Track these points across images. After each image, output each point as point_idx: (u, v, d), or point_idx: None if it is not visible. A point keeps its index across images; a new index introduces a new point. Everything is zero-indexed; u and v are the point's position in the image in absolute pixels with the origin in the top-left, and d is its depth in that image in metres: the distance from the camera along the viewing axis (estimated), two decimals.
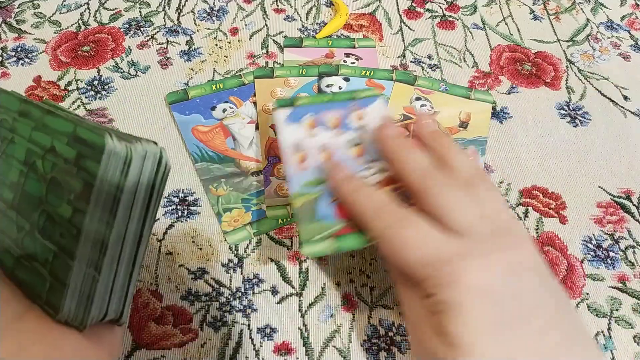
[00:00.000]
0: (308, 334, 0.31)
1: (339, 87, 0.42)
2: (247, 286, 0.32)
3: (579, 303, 0.32)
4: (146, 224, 0.22)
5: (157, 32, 0.47)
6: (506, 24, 0.49)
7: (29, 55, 0.45)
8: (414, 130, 0.31)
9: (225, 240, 0.34)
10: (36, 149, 0.22)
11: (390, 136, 0.30)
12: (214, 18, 0.48)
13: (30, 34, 0.47)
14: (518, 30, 0.49)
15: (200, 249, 0.34)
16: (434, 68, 0.45)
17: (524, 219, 0.36)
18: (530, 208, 0.36)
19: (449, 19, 0.50)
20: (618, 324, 0.32)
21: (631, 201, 0.37)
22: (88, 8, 0.49)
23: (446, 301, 0.23)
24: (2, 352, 0.19)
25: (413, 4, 0.51)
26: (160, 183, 0.22)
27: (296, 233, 0.35)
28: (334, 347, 0.30)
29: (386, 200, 0.27)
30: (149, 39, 0.46)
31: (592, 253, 0.35)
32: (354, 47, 0.46)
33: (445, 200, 0.25)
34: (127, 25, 0.48)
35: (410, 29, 0.48)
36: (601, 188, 0.38)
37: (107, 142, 0.19)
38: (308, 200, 0.31)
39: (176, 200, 0.36)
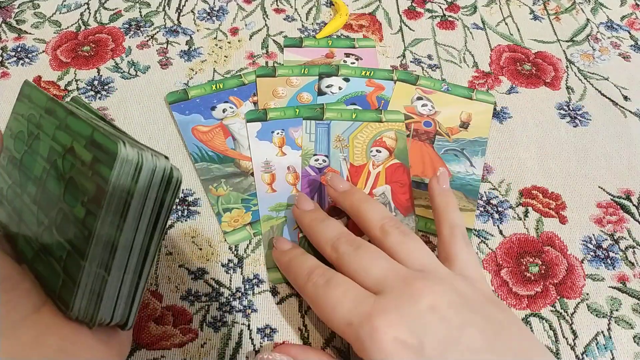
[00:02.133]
0: (308, 334, 0.31)
1: (339, 87, 0.42)
2: (247, 286, 0.32)
3: (578, 303, 0.32)
4: (154, 238, 0.22)
5: (157, 32, 0.47)
6: (506, 24, 0.49)
7: (29, 55, 0.45)
8: (328, 192, 0.33)
9: (225, 240, 0.34)
10: (58, 148, 0.23)
11: (303, 212, 0.32)
12: (214, 18, 0.48)
13: (30, 34, 0.47)
14: (518, 30, 0.49)
15: (200, 249, 0.34)
16: (434, 68, 0.45)
17: (524, 219, 0.36)
18: (530, 208, 0.36)
19: (449, 19, 0.50)
20: (618, 324, 0.32)
21: (631, 201, 0.37)
22: (88, 8, 0.49)
23: None
24: (20, 341, 0.20)
25: (413, 4, 0.51)
26: (171, 199, 0.22)
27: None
28: (334, 347, 0.30)
29: (317, 264, 0.29)
30: (149, 39, 0.46)
31: (592, 253, 0.35)
32: (354, 47, 0.46)
33: (355, 265, 0.27)
34: (127, 25, 0.48)
35: (410, 29, 0.48)
36: (601, 188, 0.38)
37: (120, 149, 0.20)
38: (275, 225, 0.34)
39: (176, 200, 0.36)
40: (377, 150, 0.38)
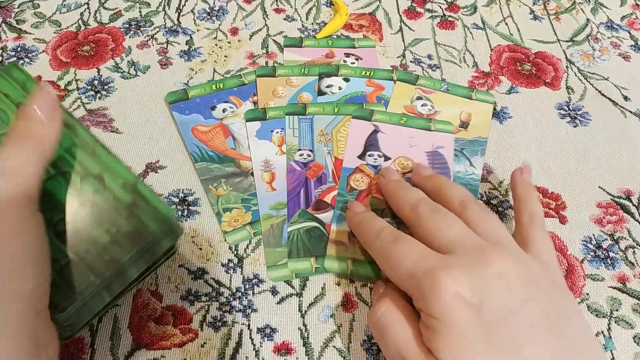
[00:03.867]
0: (308, 334, 0.31)
1: (339, 87, 0.42)
2: (247, 286, 0.32)
3: (579, 303, 0.32)
4: (144, 275, 0.28)
5: (157, 32, 0.47)
6: (506, 24, 0.49)
7: (29, 55, 0.45)
8: (412, 178, 0.35)
9: (225, 240, 0.34)
10: (76, 166, 0.25)
11: (389, 180, 0.34)
12: (214, 18, 0.48)
13: (30, 34, 0.47)
14: (518, 30, 0.49)
15: (200, 249, 0.34)
16: (434, 68, 0.45)
17: None
18: None
19: (449, 19, 0.50)
20: (618, 324, 0.32)
21: (631, 201, 0.37)
22: (88, 8, 0.49)
23: (432, 315, 0.24)
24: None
25: (413, 4, 0.51)
26: (171, 250, 0.28)
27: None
28: (334, 347, 0.30)
29: (385, 225, 0.30)
30: (149, 39, 0.46)
31: (592, 253, 0.35)
32: (354, 47, 0.46)
33: (432, 225, 0.28)
34: (127, 25, 0.48)
35: (410, 29, 0.48)
36: (601, 188, 0.38)
37: (174, 216, 0.25)
38: (275, 224, 0.34)
39: (176, 200, 0.36)
40: None
